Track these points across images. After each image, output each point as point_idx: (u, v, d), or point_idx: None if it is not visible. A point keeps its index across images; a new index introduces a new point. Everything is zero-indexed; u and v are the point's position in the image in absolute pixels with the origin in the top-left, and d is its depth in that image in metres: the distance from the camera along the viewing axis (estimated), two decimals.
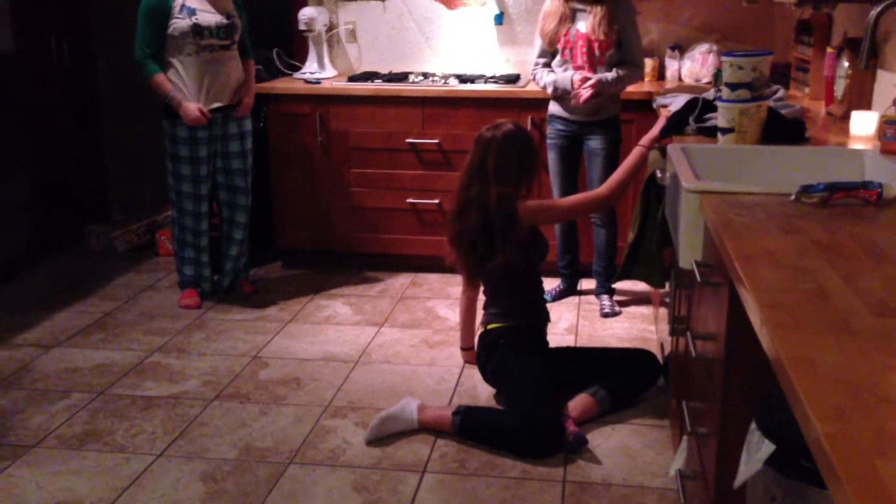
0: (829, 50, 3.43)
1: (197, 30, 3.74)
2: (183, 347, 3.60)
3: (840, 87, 3.22)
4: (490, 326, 3.10)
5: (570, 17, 3.71)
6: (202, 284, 4.13)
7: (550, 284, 3.99)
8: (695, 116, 2.93)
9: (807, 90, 3.72)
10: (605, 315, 3.89)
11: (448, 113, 4.23)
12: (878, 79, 3.00)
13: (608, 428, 2.91)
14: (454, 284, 4.17)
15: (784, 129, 2.72)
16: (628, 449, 2.78)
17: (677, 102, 3.09)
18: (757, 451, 1.34)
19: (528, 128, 3.93)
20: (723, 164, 2.58)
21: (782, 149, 2.62)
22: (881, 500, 0.83)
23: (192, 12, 3.73)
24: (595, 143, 3.80)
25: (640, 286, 3.93)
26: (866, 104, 3.03)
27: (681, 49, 4.45)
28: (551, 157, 3.90)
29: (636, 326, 3.79)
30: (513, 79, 4.37)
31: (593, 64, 3.70)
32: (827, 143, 2.74)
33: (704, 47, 4.35)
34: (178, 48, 3.76)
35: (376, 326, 3.81)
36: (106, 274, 4.52)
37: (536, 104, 4.06)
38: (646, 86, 4.22)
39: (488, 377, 3.11)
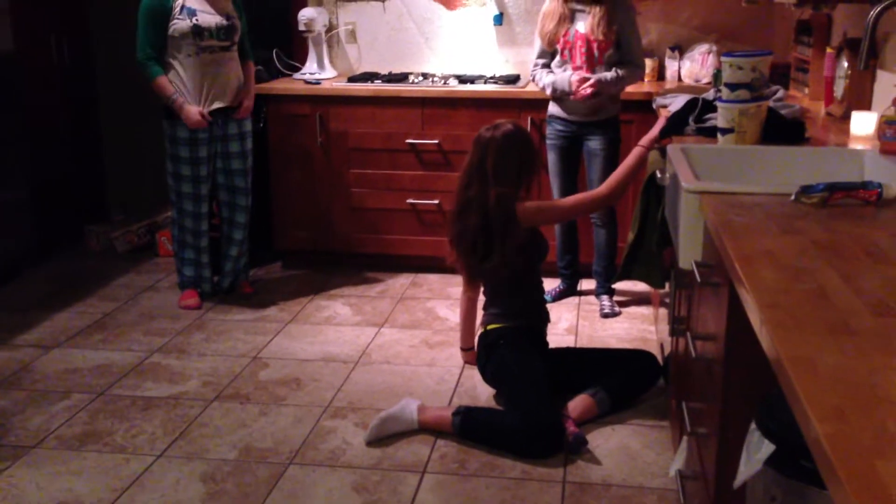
0: (828, 50, 3.44)
1: (197, 31, 3.74)
2: (183, 348, 3.60)
3: (839, 88, 3.22)
4: (490, 327, 3.10)
5: (568, 17, 3.71)
6: (202, 285, 4.13)
7: (550, 285, 3.99)
8: (694, 117, 2.93)
9: (806, 90, 3.72)
10: (605, 315, 3.89)
11: (448, 113, 4.23)
12: (878, 79, 3.01)
13: (608, 428, 2.91)
14: (454, 285, 4.17)
15: (784, 130, 2.72)
16: (628, 449, 2.78)
17: (677, 103, 3.09)
18: (757, 451, 1.34)
19: (528, 128, 3.92)
20: (722, 164, 2.58)
21: (782, 149, 2.63)
22: (881, 500, 0.83)
23: (192, 13, 3.74)
24: (594, 144, 3.81)
25: (640, 286, 3.93)
26: (866, 104, 3.03)
27: (680, 49, 4.45)
28: (551, 158, 3.91)
29: (636, 327, 3.79)
30: (512, 79, 4.37)
31: (592, 64, 3.70)
32: (826, 144, 2.74)
33: (704, 48, 4.36)
34: (178, 49, 3.76)
35: (376, 327, 3.81)
36: (106, 274, 4.52)
37: (536, 105, 4.06)
38: (645, 86, 4.22)
39: (488, 378, 3.11)
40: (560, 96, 3.77)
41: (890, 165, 2.31)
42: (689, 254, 2.17)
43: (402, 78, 4.47)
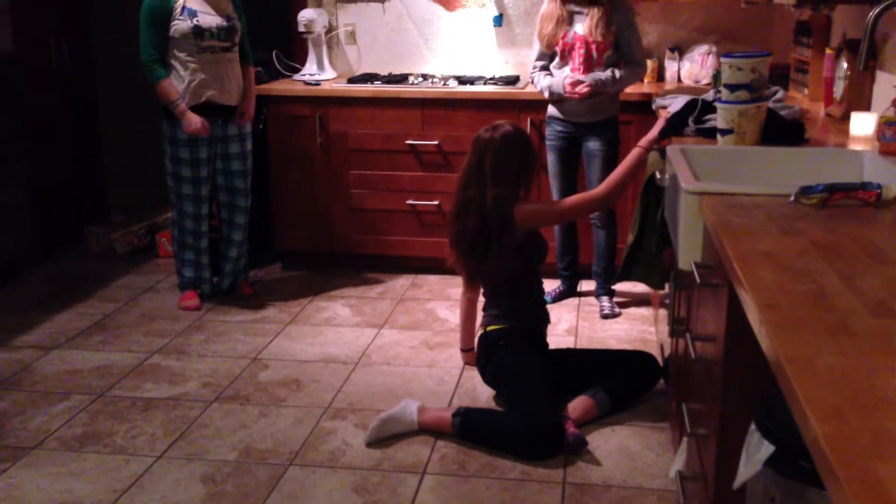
0: (828, 51, 3.44)
1: (198, 31, 3.74)
2: (183, 349, 3.60)
3: (839, 89, 3.22)
4: (490, 328, 3.10)
5: (567, 19, 3.71)
6: (202, 286, 4.13)
7: (550, 286, 3.99)
8: (694, 118, 2.93)
9: (806, 91, 3.72)
10: (605, 316, 3.89)
11: (447, 114, 4.23)
12: (877, 80, 3.01)
13: (608, 429, 2.91)
14: (454, 286, 4.17)
15: (783, 131, 2.72)
16: (628, 450, 2.78)
17: (676, 104, 3.09)
18: (756, 451, 1.34)
19: (528, 129, 3.93)
20: (722, 165, 2.58)
21: (781, 150, 2.63)
22: (880, 500, 0.83)
23: (192, 14, 3.74)
24: (594, 145, 3.81)
25: (639, 287, 3.93)
26: (865, 105, 3.03)
27: (680, 50, 4.45)
28: (550, 159, 3.91)
29: (636, 328, 3.79)
30: (512, 80, 4.37)
31: (591, 65, 3.71)
32: (826, 145, 2.75)
33: (703, 48, 4.36)
34: (179, 50, 3.76)
35: (376, 328, 3.81)
36: (106, 276, 4.52)
37: (536, 106, 4.06)
38: (645, 87, 4.23)
39: (488, 379, 3.11)
40: (557, 99, 3.78)
41: (889, 166, 2.31)
42: (688, 255, 2.17)
43: (402, 79, 4.47)
